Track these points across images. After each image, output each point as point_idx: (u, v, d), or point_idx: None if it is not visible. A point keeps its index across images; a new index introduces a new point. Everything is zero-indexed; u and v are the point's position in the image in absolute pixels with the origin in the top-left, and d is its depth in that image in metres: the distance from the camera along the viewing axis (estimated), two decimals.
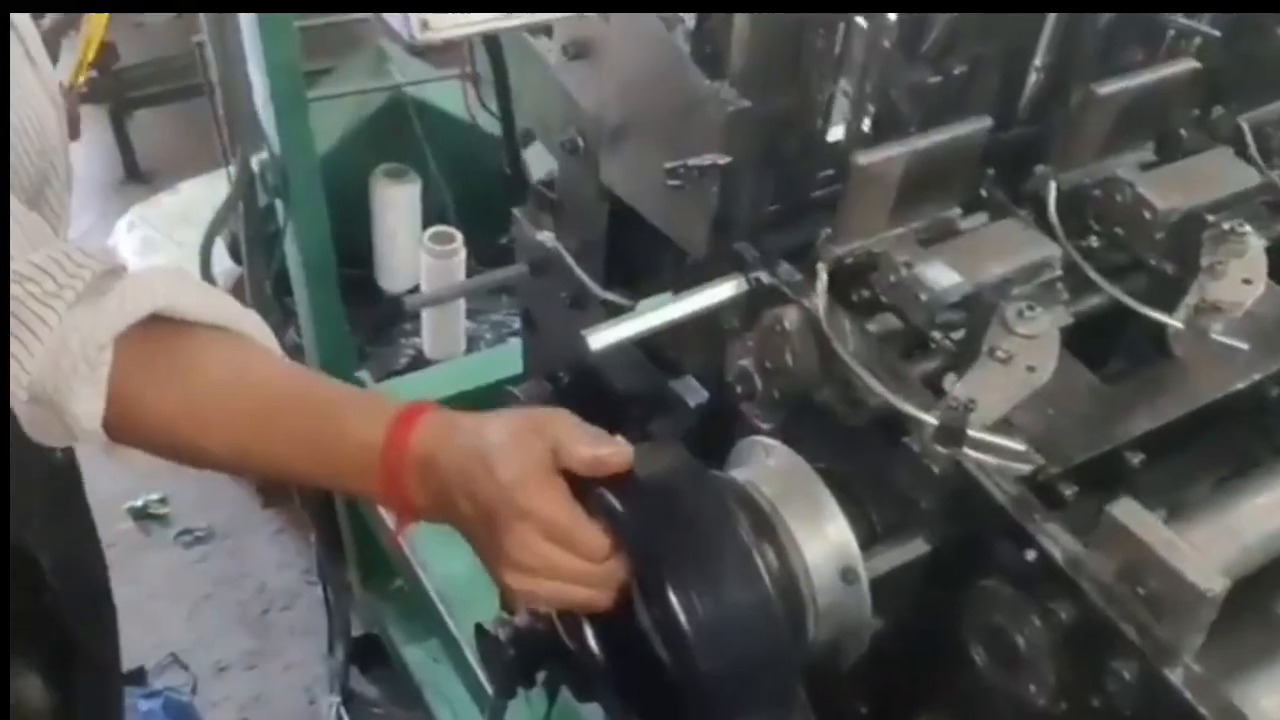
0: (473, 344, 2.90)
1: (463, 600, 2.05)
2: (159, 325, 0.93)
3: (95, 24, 3.53)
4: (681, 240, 1.13)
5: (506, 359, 1.82)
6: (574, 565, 0.89)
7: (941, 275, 0.93)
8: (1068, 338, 1.08)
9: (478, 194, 2.96)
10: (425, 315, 2.85)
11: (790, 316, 1.01)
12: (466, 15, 0.95)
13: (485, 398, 2.36)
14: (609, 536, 0.89)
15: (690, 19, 1.03)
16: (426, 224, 2.85)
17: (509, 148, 1.33)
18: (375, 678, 2.59)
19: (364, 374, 2.40)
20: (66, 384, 0.89)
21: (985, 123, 1.06)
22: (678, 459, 0.93)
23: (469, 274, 2.76)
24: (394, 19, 0.96)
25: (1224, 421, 1.05)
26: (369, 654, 2.58)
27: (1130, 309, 1.09)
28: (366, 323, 2.95)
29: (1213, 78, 1.21)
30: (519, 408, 1.04)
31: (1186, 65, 1.14)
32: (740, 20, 1.00)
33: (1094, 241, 1.06)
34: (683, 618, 0.85)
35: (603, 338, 1.02)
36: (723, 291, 1.06)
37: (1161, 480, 1.04)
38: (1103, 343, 1.15)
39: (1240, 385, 1.01)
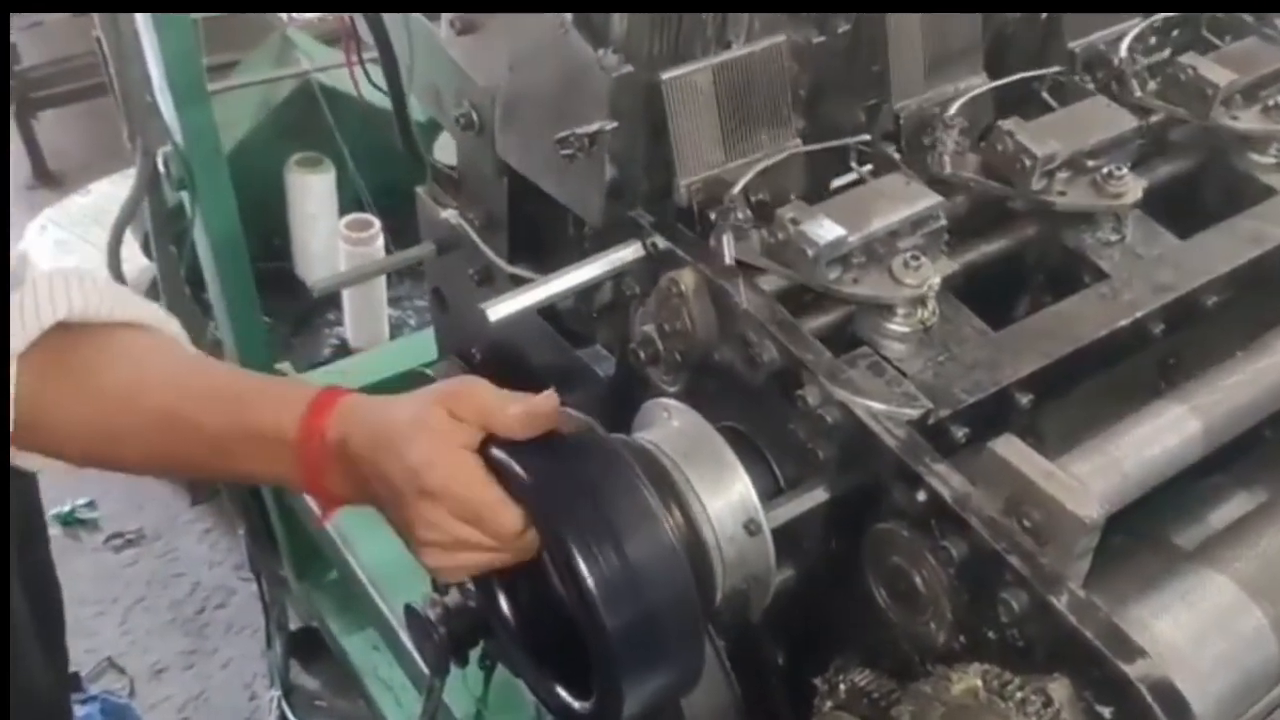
0: (396, 330, 2.90)
1: (395, 584, 2.05)
2: (61, 334, 0.92)
3: None
4: (579, 210, 1.14)
5: (429, 344, 1.83)
6: (487, 542, 0.89)
7: (826, 230, 0.95)
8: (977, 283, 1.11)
9: (394, 178, 2.93)
10: (347, 305, 2.84)
11: (685, 279, 1.02)
12: None
13: (408, 383, 2.35)
14: (520, 507, 0.89)
15: None
16: (344, 211, 2.83)
17: (401, 125, 1.33)
18: (316, 670, 2.58)
19: (285, 365, 2.38)
20: None
21: (780, 39, 1.08)
22: (578, 424, 0.94)
23: None
24: None
25: (1119, 359, 1.09)
26: (308, 646, 2.57)
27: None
28: (289, 314, 2.93)
29: None
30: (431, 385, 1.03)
31: None
32: None
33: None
34: (588, 578, 0.86)
35: (501, 309, 1.03)
36: (619, 258, 1.07)
37: (1062, 420, 1.07)
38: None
39: (1123, 323, 1.04)
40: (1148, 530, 1.09)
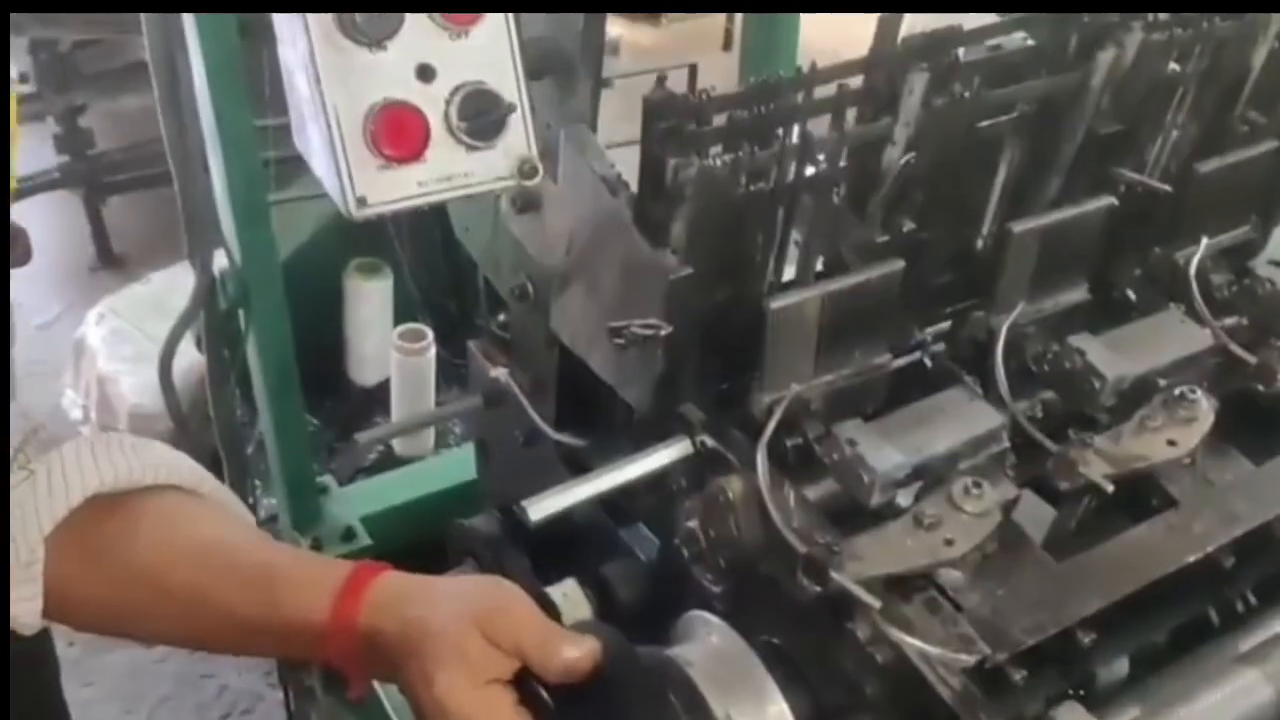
0: (442, 439, 2.88)
1: None
2: (88, 507, 0.91)
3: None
4: (627, 397, 1.12)
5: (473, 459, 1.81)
6: None
7: (885, 455, 0.92)
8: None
9: (452, 284, 2.96)
10: (395, 412, 2.82)
11: (734, 487, 0.99)
12: (404, 188, 0.94)
13: (453, 498, 2.33)
14: None
15: (633, 182, 1.02)
16: (398, 314, 2.84)
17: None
18: None
19: (327, 478, 2.37)
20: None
21: (898, 265, 1.06)
22: (611, 644, 0.90)
23: (439, 367, 2.75)
24: (332, 188, 0.95)
25: (1187, 593, 1.03)
26: None
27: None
28: (335, 417, 2.93)
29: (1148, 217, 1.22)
30: (468, 579, 1.03)
31: (1104, 202, 1.14)
32: (683, 188, 0.99)
33: (1039, 410, 1.05)
34: None
35: (543, 508, 1.00)
36: (667, 455, 1.04)
37: (1118, 648, 1.02)
38: None
39: (1193, 558, 0.99)
40: None
